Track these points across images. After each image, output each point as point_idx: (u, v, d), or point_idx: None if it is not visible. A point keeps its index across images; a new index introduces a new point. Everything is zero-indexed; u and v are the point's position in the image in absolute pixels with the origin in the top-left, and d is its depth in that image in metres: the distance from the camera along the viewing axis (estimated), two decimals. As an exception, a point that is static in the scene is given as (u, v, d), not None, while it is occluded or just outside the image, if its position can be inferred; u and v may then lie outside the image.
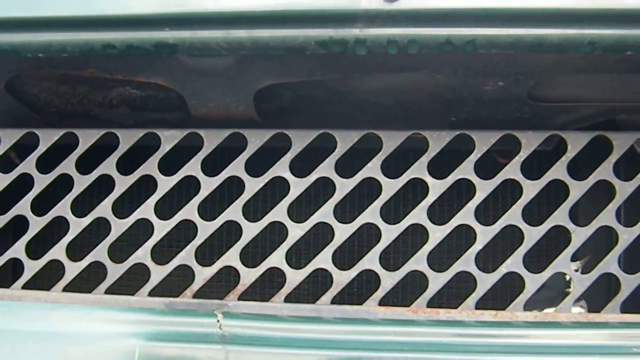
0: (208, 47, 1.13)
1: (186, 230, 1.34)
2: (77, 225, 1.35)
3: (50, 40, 1.16)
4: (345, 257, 1.37)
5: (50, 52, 1.17)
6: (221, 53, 1.14)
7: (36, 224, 1.35)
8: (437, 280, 1.26)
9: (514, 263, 1.26)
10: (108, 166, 1.36)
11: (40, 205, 1.37)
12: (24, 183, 1.37)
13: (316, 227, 1.30)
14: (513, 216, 1.28)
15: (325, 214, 1.30)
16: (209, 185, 1.34)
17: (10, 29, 1.16)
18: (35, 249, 1.36)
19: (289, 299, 1.27)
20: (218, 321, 1.09)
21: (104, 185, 1.36)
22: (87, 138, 1.38)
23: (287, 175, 1.32)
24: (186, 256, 1.31)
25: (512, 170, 1.30)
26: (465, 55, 1.13)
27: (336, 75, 1.25)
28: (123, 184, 1.35)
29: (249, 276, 1.29)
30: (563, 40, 1.10)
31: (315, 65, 1.21)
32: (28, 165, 1.38)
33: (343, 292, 1.28)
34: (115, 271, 1.31)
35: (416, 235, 1.30)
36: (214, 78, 1.24)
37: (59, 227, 1.36)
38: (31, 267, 1.33)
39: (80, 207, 1.37)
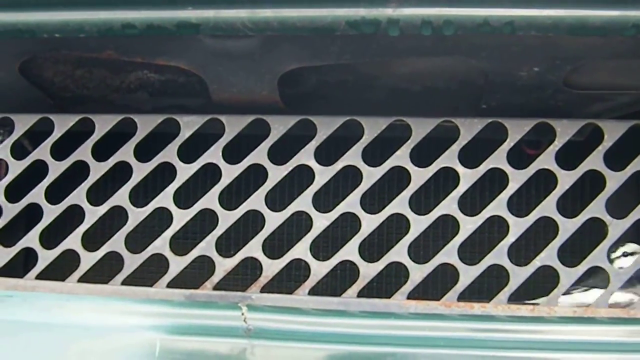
0: (233, 27, 1.08)
1: (206, 220, 1.29)
2: (93, 214, 1.30)
3: (67, 20, 1.11)
4: (373, 249, 1.32)
5: (67, 32, 1.12)
6: (246, 34, 1.10)
7: (50, 213, 1.31)
8: (468, 274, 1.21)
9: (548, 256, 1.21)
10: (125, 153, 1.32)
11: (55, 193, 1.32)
12: (38, 170, 1.33)
13: (342, 218, 1.26)
14: (547, 207, 1.23)
15: (351, 203, 1.25)
16: (230, 173, 1.29)
17: (25, 8, 1.12)
18: (50, 239, 1.31)
19: (312, 292, 1.23)
20: (243, 314, 1.04)
21: (121, 172, 1.31)
22: (103, 124, 1.34)
23: (312, 163, 1.27)
24: (206, 247, 1.26)
25: (546, 160, 1.25)
26: (501, 37, 1.09)
27: (365, 59, 1.20)
28: (141, 171, 1.31)
29: (271, 268, 1.24)
30: (605, 22, 1.05)
31: (343, 48, 1.16)
32: (42, 152, 1.34)
33: (369, 286, 1.23)
34: (132, 262, 1.27)
35: (446, 226, 1.26)
36: (237, 61, 1.20)
37: (74, 215, 1.31)
38: (45, 257, 1.29)
39: (97, 195, 1.33)
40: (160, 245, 1.27)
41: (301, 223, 1.28)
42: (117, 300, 1.11)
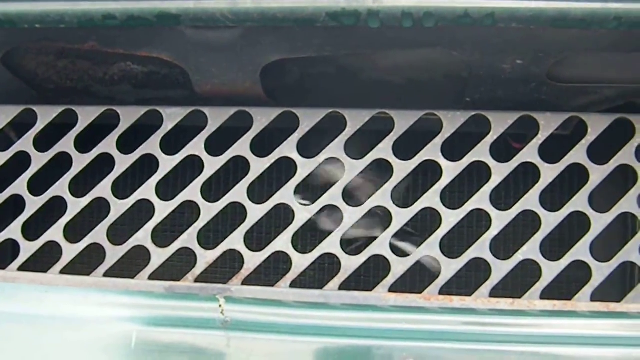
0: (213, 18, 1.08)
1: (189, 211, 1.29)
2: (76, 205, 1.30)
3: (48, 10, 1.10)
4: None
5: (48, 22, 1.11)
6: (227, 25, 1.09)
7: (33, 204, 1.30)
8: (449, 267, 1.21)
9: (530, 250, 1.21)
10: (108, 145, 1.31)
11: (38, 185, 1.32)
12: (21, 161, 1.32)
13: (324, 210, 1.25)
14: (530, 201, 1.22)
15: (333, 196, 1.25)
16: (212, 165, 1.28)
17: (5, -2, 1.11)
18: (32, 230, 1.31)
19: (294, 284, 1.22)
20: (220, 306, 1.03)
21: (104, 164, 1.31)
22: (86, 115, 1.33)
23: (295, 155, 1.27)
24: (188, 239, 1.26)
25: (529, 153, 1.24)
26: (483, 29, 1.08)
27: (347, 51, 1.20)
28: (123, 163, 1.30)
29: (253, 260, 1.24)
30: (587, 14, 1.04)
31: (325, 40, 1.16)
32: (25, 143, 1.33)
33: (351, 278, 1.23)
34: (114, 253, 1.26)
35: (428, 219, 1.25)
36: (219, 52, 1.19)
37: (56, 207, 1.30)
38: (27, 249, 1.28)
39: (79, 186, 1.32)
40: (143, 237, 1.27)
41: (283, 215, 1.27)
42: (96, 291, 1.10)
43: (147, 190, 1.29)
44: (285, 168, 1.28)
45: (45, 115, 1.34)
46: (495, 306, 1.14)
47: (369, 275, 1.49)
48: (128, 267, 1.28)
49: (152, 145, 1.30)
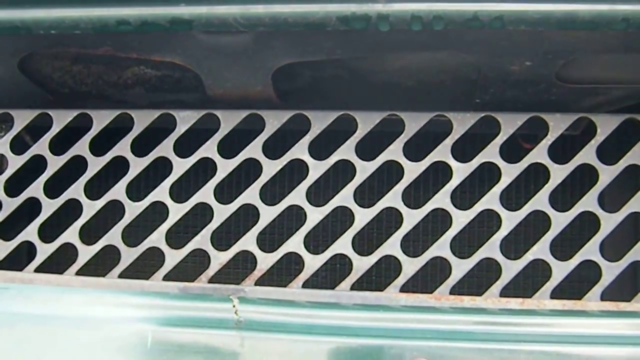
0: (225, 23, 1.09)
1: (202, 213, 1.30)
2: (91, 208, 1.32)
3: (63, 17, 1.12)
4: (366, 242, 1.32)
5: (63, 28, 1.13)
6: (239, 30, 1.10)
7: (49, 207, 1.33)
8: (460, 267, 1.22)
9: (540, 250, 1.22)
10: (122, 148, 1.33)
11: (54, 188, 1.34)
12: (37, 165, 1.34)
13: (336, 211, 1.26)
14: (540, 201, 1.23)
15: (345, 197, 1.26)
16: (225, 167, 1.30)
17: (21, 5, 1.13)
18: (49, 232, 1.33)
19: (306, 285, 1.24)
20: (234, 306, 1.05)
21: (118, 167, 1.32)
22: (101, 119, 1.35)
23: (306, 157, 1.28)
24: (202, 240, 1.28)
25: (538, 154, 1.25)
26: (492, 32, 1.09)
27: (357, 54, 1.21)
28: (137, 166, 1.32)
29: (266, 261, 1.26)
30: (595, 16, 1.05)
31: (335, 43, 1.17)
32: (41, 147, 1.35)
33: (363, 279, 1.24)
34: (129, 255, 1.28)
35: (439, 220, 1.26)
36: (231, 56, 1.21)
37: (72, 209, 1.32)
38: (44, 251, 1.31)
39: (94, 189, 1.34)
40: (157, 238, 1.29)
41: (295, 217, 1.29)
42: (111, 292, 1.12)
43: (161, 193, 1.31)
44: (297, 170, 1.29)
45: (61, 119, 1.36)
46: (505, 306, 1.15)
47: (380, 276, 1.50)
48: (142, 269, 1.30)
49: (165, 148, 1.32)
